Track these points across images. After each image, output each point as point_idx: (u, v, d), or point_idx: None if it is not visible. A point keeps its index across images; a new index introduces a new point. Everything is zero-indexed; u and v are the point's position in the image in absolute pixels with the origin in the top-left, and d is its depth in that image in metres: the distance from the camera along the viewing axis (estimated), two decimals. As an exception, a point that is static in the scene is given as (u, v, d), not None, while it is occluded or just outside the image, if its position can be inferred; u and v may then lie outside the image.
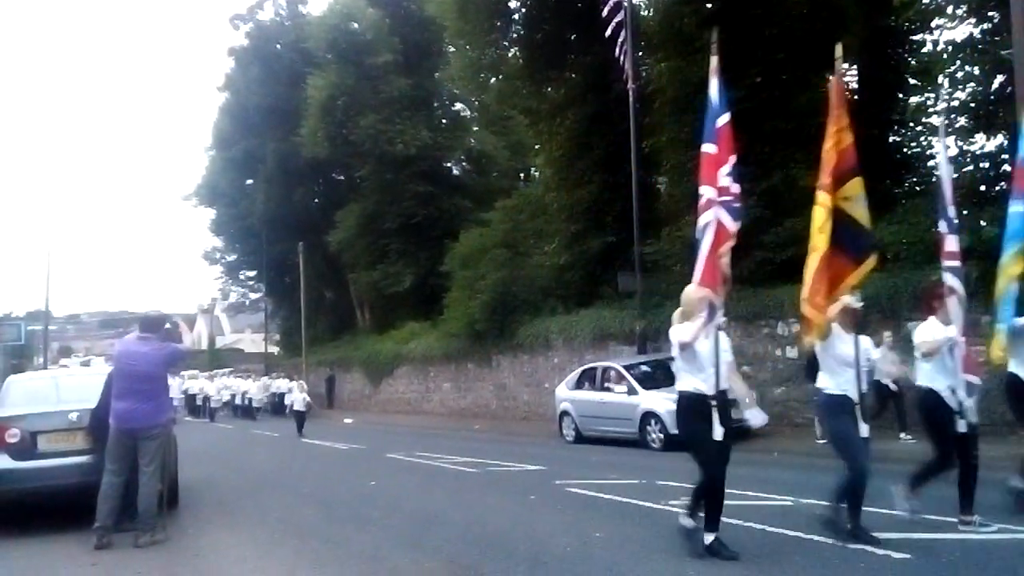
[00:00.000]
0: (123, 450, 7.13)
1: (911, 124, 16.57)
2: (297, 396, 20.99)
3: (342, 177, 38.70)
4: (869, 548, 5.67)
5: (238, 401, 31.92)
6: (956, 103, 12.34)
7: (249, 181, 41.96)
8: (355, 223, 33.07)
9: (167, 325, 7.91)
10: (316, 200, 40.57)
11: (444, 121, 34.38)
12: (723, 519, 6.91)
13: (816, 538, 6.06)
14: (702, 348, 5.82)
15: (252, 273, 46.88)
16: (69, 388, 8.72)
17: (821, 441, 10.25)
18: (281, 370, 35.13)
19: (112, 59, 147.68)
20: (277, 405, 30.30)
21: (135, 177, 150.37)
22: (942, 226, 6.36)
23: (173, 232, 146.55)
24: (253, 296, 49.20)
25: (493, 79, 25.42)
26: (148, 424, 7.16)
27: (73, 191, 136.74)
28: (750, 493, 8.22)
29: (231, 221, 43.40)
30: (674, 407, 12.71)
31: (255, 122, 38.75)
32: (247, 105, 39.05)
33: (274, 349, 47.40)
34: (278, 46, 39.05)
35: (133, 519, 7.16)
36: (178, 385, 30.00)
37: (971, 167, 12.33)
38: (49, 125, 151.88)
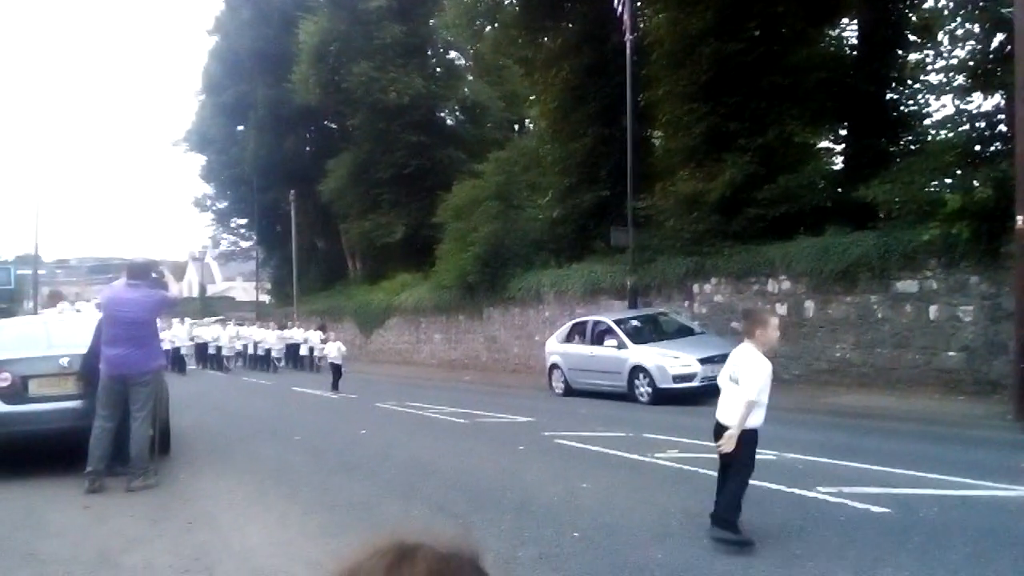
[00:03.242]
0: (114, 396, 7.17)
1: (909, 82, 16.42)
2: (332, 347, 19.26)
3: (334, 125, 38.23)
4: (849, 502, 5.79)
5: (251, 351, 29.83)
6: (955, 61, 12.21)
7: (240, 127, 41.44)
8: (347, 172, 32.77)
9: (153, 274, 7.88)
10: (308, 148, 40.14)
11: (438, 70, 33.86)
12: (706, 472, 7.04)
13: (797, 491, 6.18)
14: None
15: (243, 221, 46.65)
16: (60, 333, 8.71)
17: None
18: (296, 319, 33.01)
19: (101, 0, 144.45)
20: (293, 357, 28.60)
21: (125, 121, 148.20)
22: None
23: (164, 178, 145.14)
24: (244, 244, 49.05)
25: (488, 27, 24.99)
26: (139, 370, 7.20)
27: (62, 135, 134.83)
28: (735, 447, 8.34)
29: (222, 168, 43.00)
30: (662, 361, 13.03)
31: (246, 67, 38.13)
32: (238, 49, 38.37)
33: (265, 298, 47.41)
34: (270, -12, 38.24)
35: (125, 464, 7.23)
36: (187, 332, 28.51)
37: (967, 126, 12.26)
38: (36, 68, 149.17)
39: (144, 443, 7.23)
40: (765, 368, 4.98)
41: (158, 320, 8.06)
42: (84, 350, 7.63)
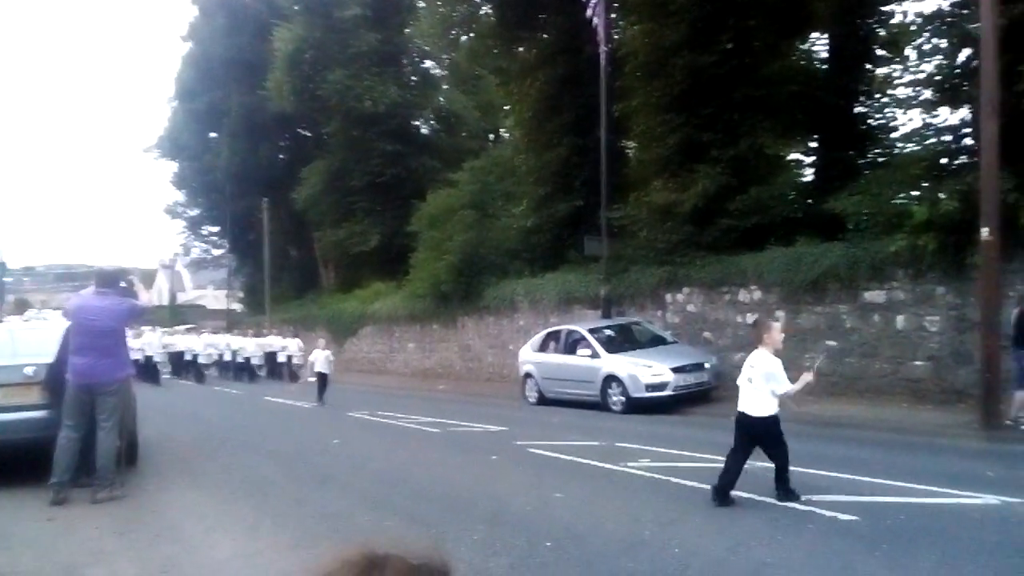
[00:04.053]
0: (81, 405, 7.05)
1: (877, 95, 16.71)
2: (320, 355, 17.74)
3: (308, 133, 38.05)
4: (817, 510, 5.85)
5: (228, 358, 27.91)
6: (922, 75, 12.44)
7: (213, 134, 41.08)
8: (321, 180, 32.62)
9: (123, 283, 7.77)
10: (281, 156, 39.91)
11: (413, 79, 33.83)
12: (678, 480, 7.09)
13: (768, 500, 6.23)
14: None
15: (215, 229, 46.17)
16: (25, 342, 8.55)
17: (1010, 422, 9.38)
18: (272, 327, 31.45)
19: (73, 4, 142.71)
20: (271, 365, 27.06)
21: (94, 126, 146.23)
22: None
23: (134, 184, 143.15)
24: (216, 252, 48.54)
25: (464, 37, 25.05)
26: (107, 380, 7.08)
27: (29, 139, 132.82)
28: (707, 456, 8.37)
29: (194, 175, 42.58)
30: (635, 370, 13.11)
31: (220, 73, 37.84)
32: (211, 56, 38.08)
33: (237, 306, 46.96)
34: (244, -5, 38.04)
35: (90, 475, 7.11)
36: (159, 340, 27.14)
37: (934, 140, 12.50)
38: (4, 72, 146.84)
39: (110, 454, 7.12)
40: (779, 364, 6.22)
41: (128, 328, 7.94)
42: (50, 359, 7.51)
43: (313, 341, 28.76)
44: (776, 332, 6.40)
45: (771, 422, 6.23)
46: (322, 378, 17.39)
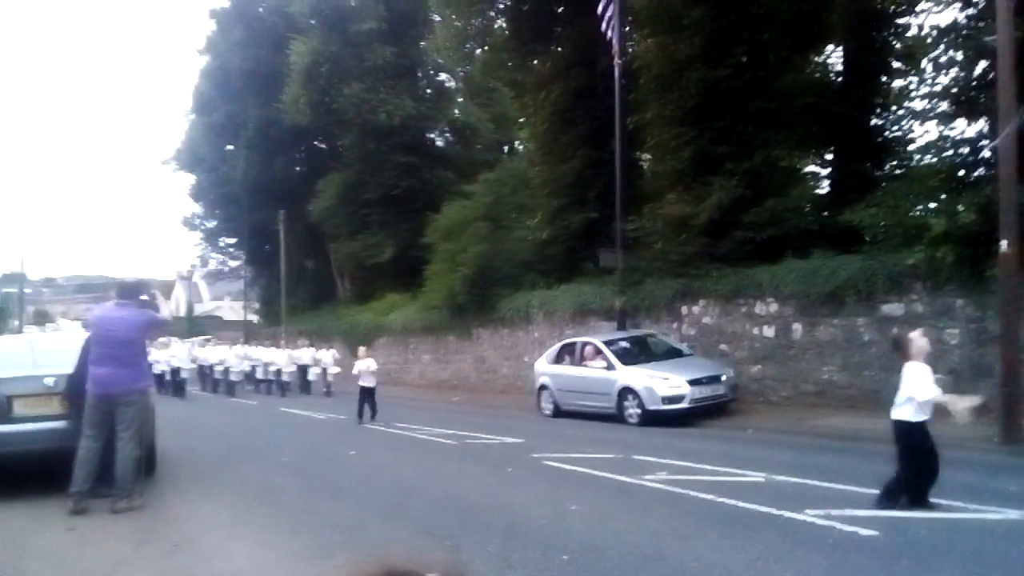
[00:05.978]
0: (100, 416, 7.11)
1: (893, 108, 16.65)
2: (363, 364, 15.64)
3: (324, 145, 38.30)
4: (837, 525, 5.80)
5: (260, 375, 26.32)
6: (938, 88, 12.38)
7: (230, 147, 41.39)
8: (336, 192, 32.81)
9: (144, 296, 7.85)
10: (298, 168, 40.17)
11: (428, 91, 34.02)
12: (695, 494, 7.06)
13: (786, 514, 6.18)
14: None
15: (232, 240, 46.47)
16: (45, 353, 8.64)
17: None
18: (305, 337, 30.35)
19: (92, 19, 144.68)
20: (302, 379, 25.77)
21: (114, 139, 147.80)
22: None
23: (152, 196, 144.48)
24: (233, 263, 48.86)
25: (478, 50, 25.18)
26: (126, 390, 7.15)
27: (50, 152, 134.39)
28: (723, 469, 8.35)
29: (211, 187, 42.92)
30: (651, 382, 13.07)
31: (237, 87, 38.18)
32: (228, 69, 38.44)
33: (253, 317, 47.21)
34: (260, 9, 38.36)
35: (110, 485, 7.16)
36: (187, 352, 26.78)
37: (950, 152, 12.43)
38: (25, 86, 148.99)
39: (129, 464, 7.17)
40: (920, 371, 6.52)
41: (150, 340, 8.01)
42: (70, 370, 7.58)
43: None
44: (919, 341, 6.75)
45: (918, 428, 6.49)
46: (368, 393, 15.41)
